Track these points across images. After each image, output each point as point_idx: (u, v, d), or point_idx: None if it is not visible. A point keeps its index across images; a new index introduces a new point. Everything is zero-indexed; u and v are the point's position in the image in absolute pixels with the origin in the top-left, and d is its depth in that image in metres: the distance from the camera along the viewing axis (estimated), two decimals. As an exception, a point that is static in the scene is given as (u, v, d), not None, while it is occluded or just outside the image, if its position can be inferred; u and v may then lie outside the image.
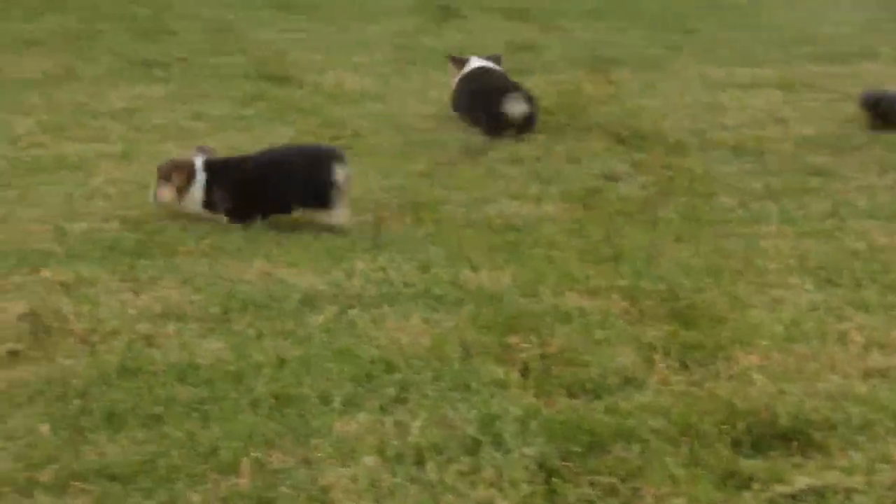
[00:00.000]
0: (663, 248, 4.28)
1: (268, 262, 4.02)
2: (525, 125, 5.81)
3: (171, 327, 3.46)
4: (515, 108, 5.79)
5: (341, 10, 8.93)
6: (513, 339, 3.51)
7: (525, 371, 3.31)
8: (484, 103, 5.83)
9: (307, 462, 2.75)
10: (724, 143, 5.68)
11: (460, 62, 6.16)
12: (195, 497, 2.57)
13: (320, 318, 3.56)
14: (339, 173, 4.42)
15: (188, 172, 4.46)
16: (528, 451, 2.79)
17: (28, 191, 4.65)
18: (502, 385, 3.17)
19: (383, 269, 3.98)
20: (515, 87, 5.95)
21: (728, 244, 4.27)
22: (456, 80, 6.12)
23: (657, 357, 3.36)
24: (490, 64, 6.21)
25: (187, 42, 7.63)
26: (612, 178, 5.18)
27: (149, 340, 3.37)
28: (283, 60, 7.26)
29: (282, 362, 3.27)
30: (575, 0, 9.79)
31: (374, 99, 6.42)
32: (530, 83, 6.86)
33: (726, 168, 5.28)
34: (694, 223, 4.51)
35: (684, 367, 3.27)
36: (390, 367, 3.26)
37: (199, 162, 4.49)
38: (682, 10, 9.49)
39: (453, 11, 9.19)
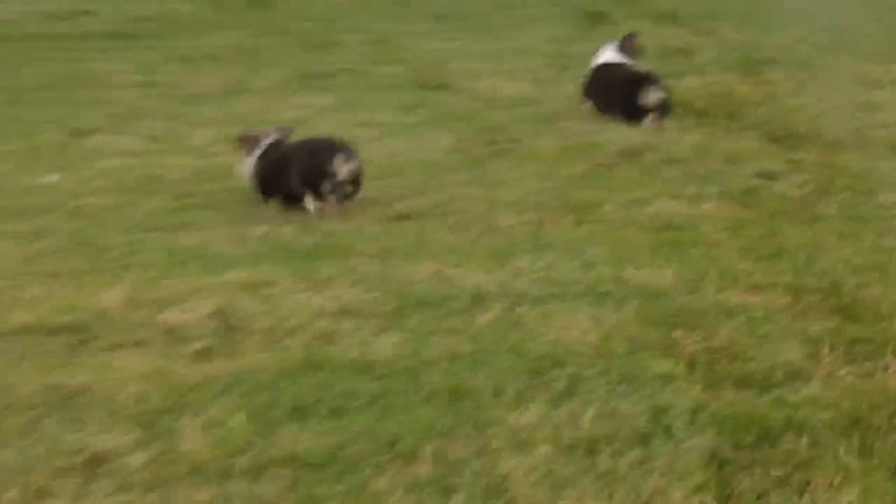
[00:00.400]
0: (824, 245, 4.22)
1: (437, 262, 4.08)
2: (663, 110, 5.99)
3: (348, 325, 3.54)
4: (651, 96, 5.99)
5: (495, 20, 8.98)
6: (677, 335, 3.50)
7: (691, 365, 3.30)
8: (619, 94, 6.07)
9: (484, 452, 2.79)
10: (882, 140, 5.56)
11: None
12: (381, 483, 2.64)
13: (489, 316, 3.60)
14: (342, 168, 4.49)
15: (251, 145, 4.72)
16: (698, 441, 2.78)
17: (209, 198, 4.80)
18: (669, 378, 3.17)
19: (548, 268, 4.01)
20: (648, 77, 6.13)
21: (890, 241, 4.19)
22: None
23: (823, 351, 3.32)
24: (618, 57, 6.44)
25: (351, 54, 7.77)
26: (768, 176, 5.11)
27: (328, 337, 3.46)
28: (442, 69, 7.34)
29: (454, 358, 3.32)
30: (724, 3, 9.67)
31: (531, 104, 6.45)
32: (683, 86, 6.82)
33: (885, 165, 5.17)
34: (854, 220, 4.44)
35: (851, 360, 3.23)
36: (559, 362, 3.29)
37: (265, 139, 4.74)
38: (833, 7, 9.29)
39: (603, 17, 9.16)
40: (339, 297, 3.75)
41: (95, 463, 2.72)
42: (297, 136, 4.87)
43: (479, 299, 3.75)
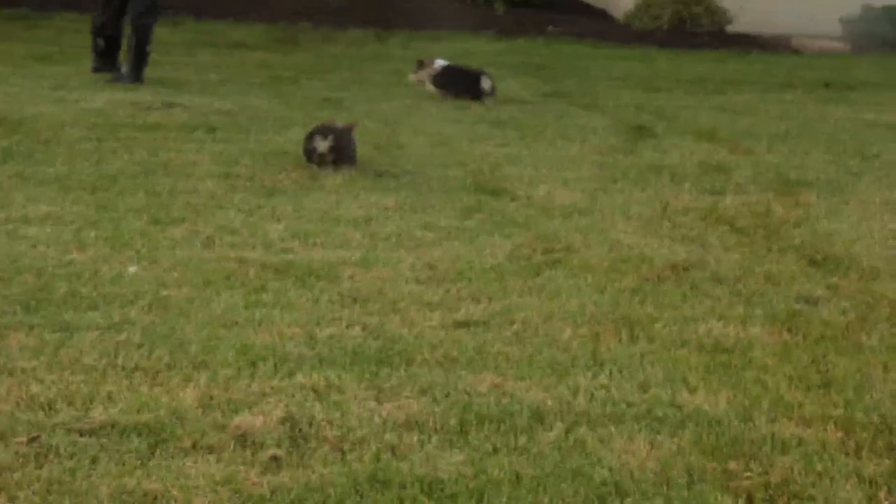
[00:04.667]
0: (871, 377, 3.96)
1: (497, 374, 3.84)
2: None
3: (414, 438, 3.31)
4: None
5: (547, 129, 8.79)
6: (734, 466, 3.25)
7: (750, 500, 3.04)
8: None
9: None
10: (918, 270, 5.30)
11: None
12: None
13: (551, 435, 3.36)
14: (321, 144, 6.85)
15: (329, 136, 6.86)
16: None
17: (281, 295, 4.59)
18: (731, 516, 2.92)
19: (605, 387, 3.76)
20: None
21: (937, 376, 3.92)
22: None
23: (881, 494, 3.05)
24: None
25: (414, 155, 7.60)
26: (810, 301, 4.86)
27: (394, 451, 3.22)
28: (498, 173, 7.14)
29: (518, 479, 3.08)
30: (761, 124, 9.45)
31: (583, 213, 6.22)
32: (724, 203, 6.59)
33: (923, 296, 4.91)
34: (899, 353, 4.17)
35: (912, 508, 2.96)
36: (621, 491, 3.04)
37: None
38: (863, 136, 9.05)
39: (648, 131, 8.96)
40: (404, 408, 3.52)
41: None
42: (367, 233, 4.66)
43: (539, 417, 3.51)
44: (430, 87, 9.95)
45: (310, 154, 6.98)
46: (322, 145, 6.89)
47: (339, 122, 7.28)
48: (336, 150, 6.92)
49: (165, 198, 6.11)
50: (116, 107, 8.66)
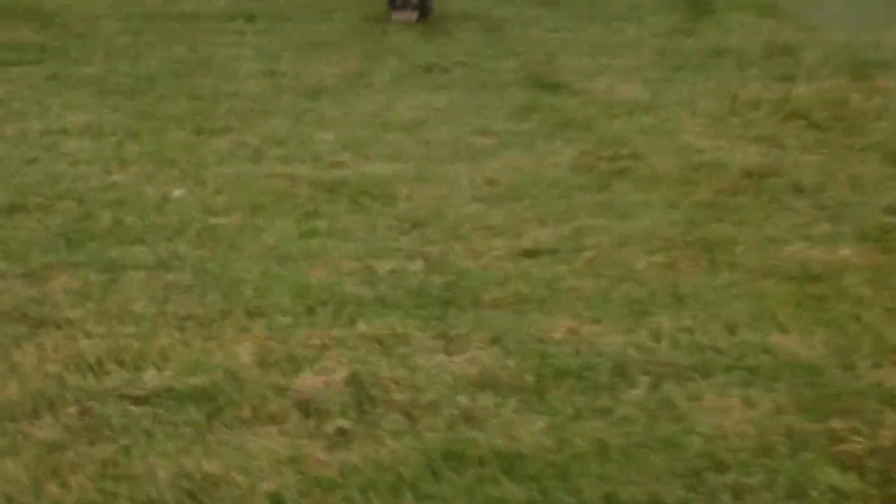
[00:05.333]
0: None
1: (572, 317, 3.55)
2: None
3: (489, 400, 3.05)
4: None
5: (600, 6, 8.32)
6: (837, 425, 2.97)
7: (861, 472, 2.77)
8: None
9: None
10: None
11: None
12: None
13: (636, 394, 3.09)
14: None
15: None
16: None
17: (335, 221, 4.31)
18: (843, 494, 2.65)
19: (689, 330, 3.47)
20: None
21: None
22: None
23: None
24: None
25: (463, 44, 7.20)
26: (898, 212, 4.51)
27: (469, 417, 2.97)
28: (554, 64, 6.75)
29: (604, 451, 2.82)
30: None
31: (646, 111, 5.85)
32: (796, 93, 6.18)
33: None
34: None
35: None
36: (718, 463, 2.78)
37: None
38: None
39: (706, 5, 8.46)
40: (476, 361, 3.26)
41: None
42: (419, 140, 4.38)
43: (621, 370, 3.23)
44: None
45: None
46: None
47: None
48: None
49: (208, 102, 5.80)
50: (150, -6, 8.28)
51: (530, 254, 4.06)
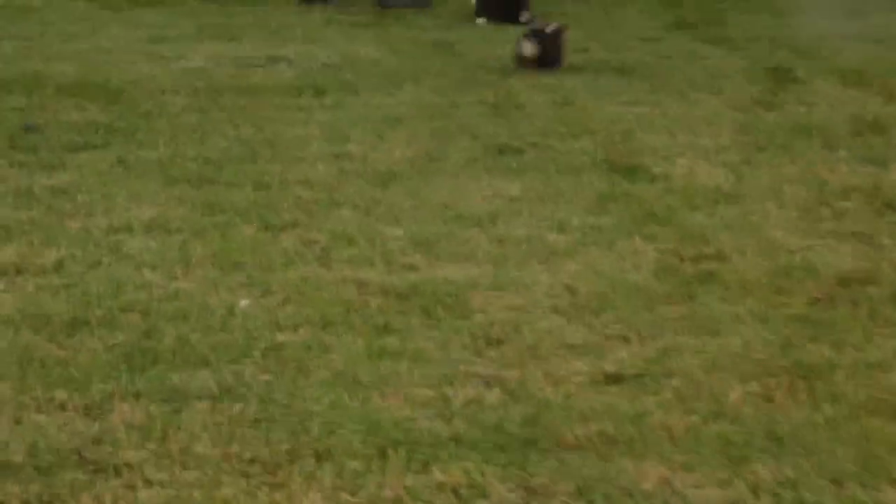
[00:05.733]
0: None
1: (662, 462, 3.31)
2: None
3: (577, 575, 2.83)
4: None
5: (676, 75, 8.08)
6: None
7: None
8: None
9: None
10: None
11: None
12: None
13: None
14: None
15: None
16: None
17: (407, 338, 4.11)
18: None
19: (792, 483, 3.21)
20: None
21: None
22: None
23: None
24: None
25: (535, 119, 6.99)
26: None
27: None
28: (630, 143, 6.53)
29: None
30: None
31: (730, 201, 5.59)
32: (888, 180, 5.89)
33: None
34: None
35: None
36: None
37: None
38: None
39: (787, 74, 8.18)
40: (561, 521, 3.03)
41: None
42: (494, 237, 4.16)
43: (719, 534, 2.99)
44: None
45: (519, 59, 8.01)
46: (528, 48, 7.97)
47: (549, 26, 8.28)
48: (542, 54, 7.96)
49: (275, 191, 5.64)
50: (217, 64, 8.20)
51: (614, 379, 3.83)
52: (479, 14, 10.12)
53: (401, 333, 4.15)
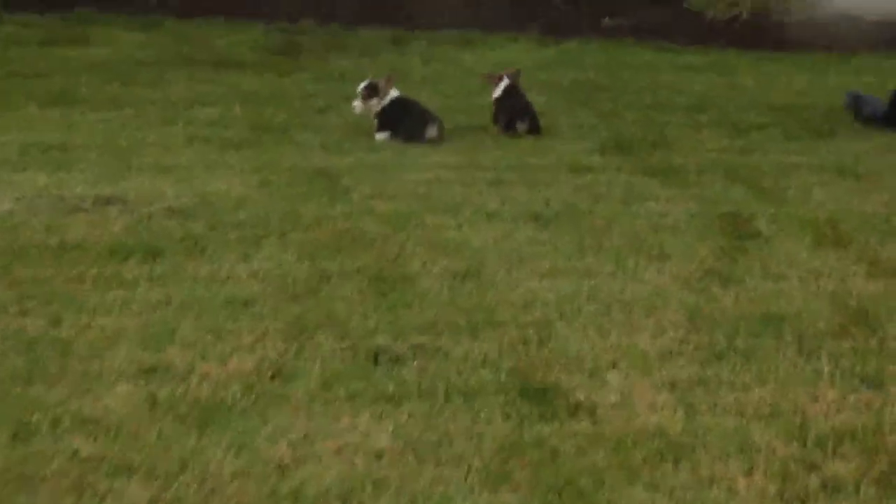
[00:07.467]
0: None
1: None
2: None
3: None
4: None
5: (611, 228, 6.66)
6: None
7: None
8: None
9: None
10: None
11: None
12: None
13: None
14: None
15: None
16: None
17: None
18: None
19: None
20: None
21: None
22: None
23: None
24: None
25: (427, 299, 5.46)
26: None
27: None
28: (548, 348, 5.03)
29: None
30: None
31: (679, 454, 4.10)
32: (892, 415, 4.46)
33: None
34: None
35: None
36: None
37: None
38: None
39: (747, 227, 6.74)
40: None
41: None
42: None
43: None
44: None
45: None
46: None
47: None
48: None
49: (41, 443, 4.05)
50: (30, 208, 6.62)
51: None
52: (380, 129, 8.69)
53: None
